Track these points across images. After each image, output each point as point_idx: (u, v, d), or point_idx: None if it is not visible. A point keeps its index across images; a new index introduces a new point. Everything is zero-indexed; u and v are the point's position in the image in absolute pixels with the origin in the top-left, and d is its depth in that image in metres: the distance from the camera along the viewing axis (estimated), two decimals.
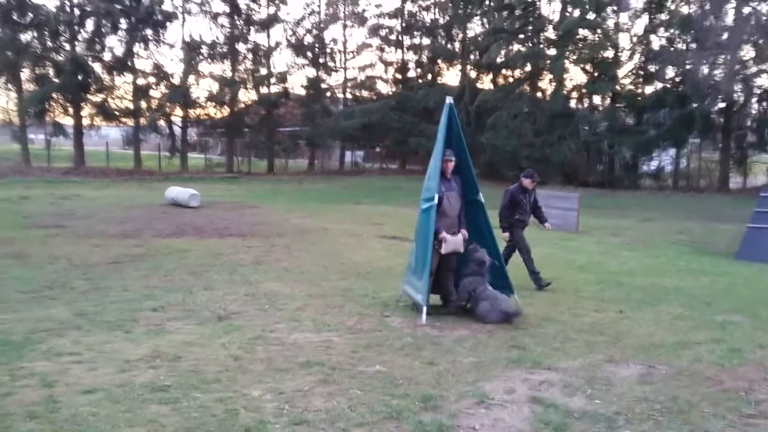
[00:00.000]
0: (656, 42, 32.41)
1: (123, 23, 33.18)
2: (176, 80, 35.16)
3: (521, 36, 34.46)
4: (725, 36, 26.21)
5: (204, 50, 35.92)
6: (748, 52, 27.85)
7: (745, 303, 8.27)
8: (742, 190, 30.53)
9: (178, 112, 35.76)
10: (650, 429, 4.19)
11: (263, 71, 37.32)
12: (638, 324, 7.03)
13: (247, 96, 38.04)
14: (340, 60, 40.11)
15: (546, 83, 34.93)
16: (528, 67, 34.52)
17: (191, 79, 35.76)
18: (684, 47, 30.74)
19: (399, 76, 40.93)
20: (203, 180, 30.51)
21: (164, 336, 6.05)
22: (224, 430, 3.98)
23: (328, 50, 39.50)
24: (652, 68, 32.03)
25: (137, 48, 34.10)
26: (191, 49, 35.19)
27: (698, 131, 30.86)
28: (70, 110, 32.81)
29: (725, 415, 4.47)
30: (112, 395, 4.54)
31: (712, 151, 33.68)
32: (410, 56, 40.92)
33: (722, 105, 29.99)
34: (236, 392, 4.63)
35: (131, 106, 34.17)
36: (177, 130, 36.27)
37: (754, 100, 31.05)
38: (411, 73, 41.31)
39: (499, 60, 34.10)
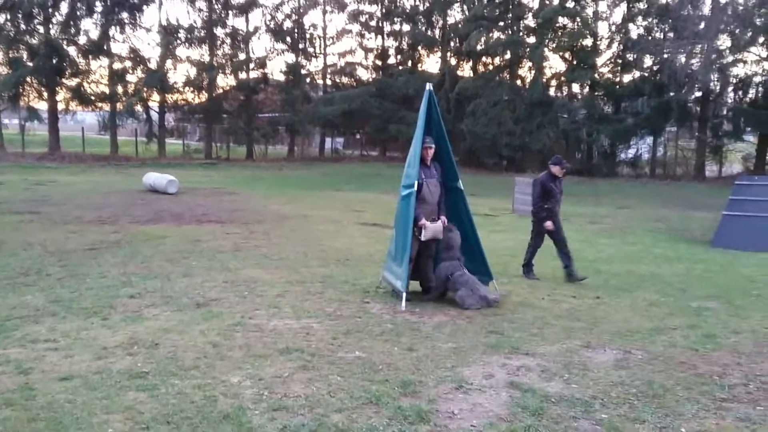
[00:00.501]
0: (634, 31, 32.71)
1: (98, 6, 32.67)
2: (153, 65, 34.76)
3: (501, 23, 34.53)
4: (702, 25, 26.47)
5: (181, 34, 35.55)
6: (724, 42, 28.18)
7: (720, 290, 8.41)
8: (718, 179, 30.98)
9: (156, 97, 35.38)
10: (626, 413, 4.25)
11: (242, 56, 37.00)
12: (615, 310, 7.12)
13: (225, 81, 37.81)
14: (320, 46, 39.94)
15: (525, 71, 35.17)
16: (507, 55, 34.64)
17: (168, 63, 35.38)
18: (662, 36, 31.02)
19: (379, 63, 40.79)
20: (181, 166, 30.23)
21: (142, 323, 6.00)
22: (203, 417, 3.97)
23: (308, 36, 39.29)
24: (630, 57, 32.28)
25: (113, 31, 33.63)
26: (168, 33, 34.74)
27: (675, 120, 31.23)
28: (45, 94, 32.29)
29: (699, 399, 4.54)
30: (89, 382, 4.50)
31: (688, 139, 34.12)
32: (390, 43, 40.85)
33: (699, 94, 30.34)
34: (215, 379, 4.61)
35: (107, 90, 33.71)
36: (154, 116, 35.85)
37: (730, 89, 31.48)
38: (391, 60, 41.20)
39: (479, 47, 34.15)
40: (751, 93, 31.03)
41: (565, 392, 4.59)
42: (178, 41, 35.59)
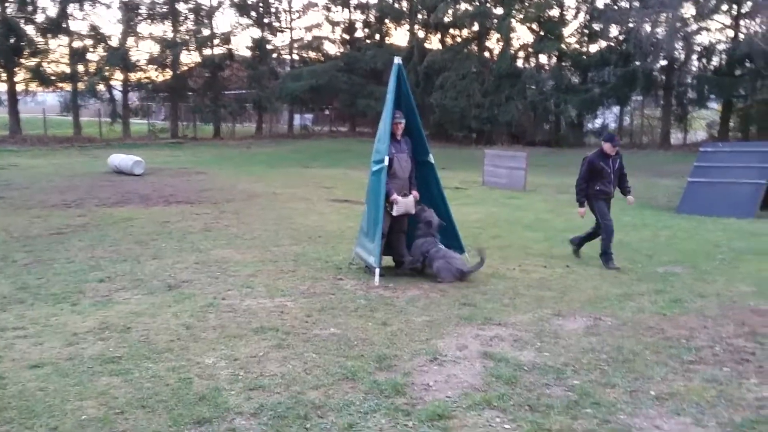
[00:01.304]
0: (600, 1, 32.77)
1: None
2: (114, 42, 33.87)
3: None
4: None
5: (143, 10, 34.64)
6: (688, 10, 28.43)
7: (685, 255, 8.59)
8: (683, 146, 31.51)
9: (118, 76, 34.52)
10: (597, 378, 4.35)
11: (206, 32, 36.24)
12: (584, 278, 7.24)
13: (189, 58, 37.01)
14: (286, 20, 39.35)
15: (493, 43, 35.11)
16: (475, 27, 34.52)
17: (130, 41, 34.48)
18: (627, 5, 31.14)
19: (346, 37, 40.35)
20: (147, 146, 29.71)
21: (112, 307, 5.93)
22: (178, 400, 3.95)
23: (273, 10, 38.65)
24: (596, 27, 32.41)
25: (72, 9, 32.65)
26: (129, 9, 33.86)
27: (641, 89, 31.58)
28: (3, 75, 31.29)
29: (667, 362, 4.66)
30: (61, 369, 4.44)
31: (654, 108, 34.56)
32: (357, 16, 40.32)
33: (664, 62, 30.67)
34: (189, 361, 4.59)
35: (68, 70, 32.82)
36: (117, 95, 35.07)
37: (694, 57, 31.85)
38: (359, 33, 40.77)
39: (446, 19, 33.99)
40: (715, 61, 31.46)
41: (538, 360, 4.67)
42: (140, 17, 34.71)
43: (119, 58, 32.80)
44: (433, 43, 37.09)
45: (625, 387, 4.21)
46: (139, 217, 11.21)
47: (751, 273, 7.51)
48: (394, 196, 7.17)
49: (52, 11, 32.28)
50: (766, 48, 23.57)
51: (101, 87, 33.90)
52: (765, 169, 12.34)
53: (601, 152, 8.16)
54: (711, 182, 12.90)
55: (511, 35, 33.43)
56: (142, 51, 36.19)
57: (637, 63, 29.74)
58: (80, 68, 33.16)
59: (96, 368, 4.45)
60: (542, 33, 33.10)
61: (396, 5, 38.80)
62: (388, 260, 7.63)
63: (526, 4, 33.09)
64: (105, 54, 33.35)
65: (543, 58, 35.59)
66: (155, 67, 35.25)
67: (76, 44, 33.10)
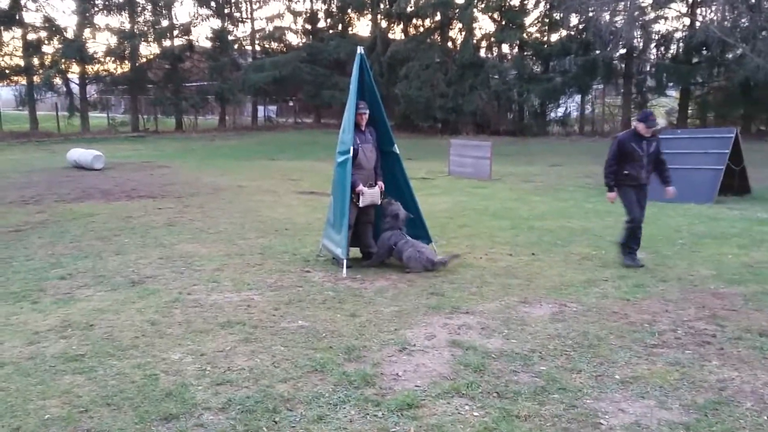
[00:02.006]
0: None
1: None
2: (70, 34, 33.04)
3: None
4: None
5: (99, 1, 33.81)
6: None
7: (647, 241, 8.72)
8: None
9: (75, 68, 33.72)
10: (563, 364, 4.41)
11: (164, 23, 35.59)
12: (549, 265, 7.33)
13: (148, 50, 36.36)
14: (247, 10, 38.84)
15: (456, 33, 35.16)
16: (438, 17, 34.54)
17: (87, 32, 33.65)
18: None
19: (309, 27, 40.01)
20: (107, 140, 29.13)
21: (74, 304, 5.80)
22: (144, 396, 3.89)
23: (233, 0, 38.02)
24: (556, 16, 32.72)
25: (25, 0, 31.69)
26: (85, 0, 33.02)
27: (601, 77, 32.05)
28: None
29: (631, 346, 4.75)
30: (22, 368, 4.34)
31: (614, 96, 35.11)
32: (319, 6, 39.92)
33: (623, 51, 31.12)
34: (155, 357, 4.52)
35: (22, 63, 31.92)
36: (75, 88, 34.23)
37: (652, 45, 32.41)
38: (321, 24, 40.43)
39: (409, 9, 33.93)
40: (673, 49, 32.07)
41: (505, 347, 4.71)
42: (96, 8, 33.89)
43: (75, 50, 32.00)
44: (396, 33, 37.06)
45: (591, 372, 4.28)
46: (101, 213, 10.98)
47: (711, 257, 7.70)
48: (360, 187, 7.15)
49: (4, 2, 31.38)
50: (721, 36, 24.09)
51: (57, 80, 33.09)
52: (723, 155, 12.61)
53: (634, 132, 7.36)
54: (671, 169, 13.12)
55: (474, 25, 33.56)
56: (99, 43, 35.38)
57: (597, 52, 30.13)
58: (35, 61, 32.31)
59: (59, 367, 4.36)
60: (504, 22, 33.29)
61: None
62: (355, 251, 7.62)
63: None
64: (60, 46, 32.52)
65: (505, 48, 35.86)
66: (113, 59, 34.53)
67: (31, 36, 32.23)
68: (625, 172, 7.37)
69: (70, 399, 3.88)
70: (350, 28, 40.08)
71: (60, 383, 4.10)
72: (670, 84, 31.63)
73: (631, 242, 7.36)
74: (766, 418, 3.63)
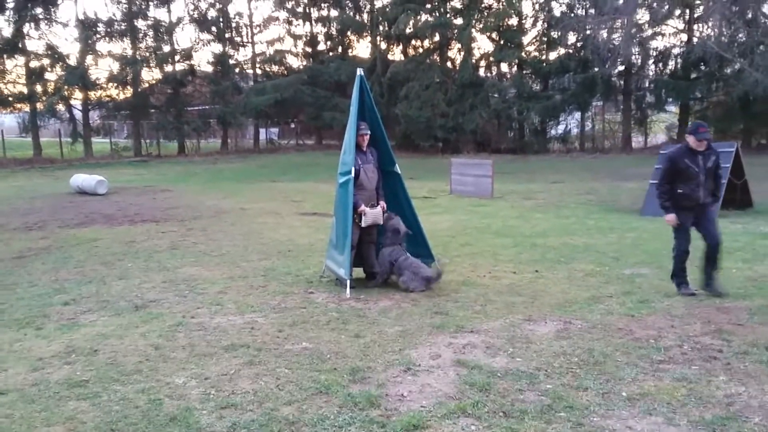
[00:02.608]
0: (557, 8, 33.45)
1: (10, 2, 31.04)
2: (73, 61, 33.37)
3: (428, 6, 34.65)
4: (621, 1, 27.24)
5: (100, 28, 34.24)
6: (643, 16, 29.14)
7: (651, 256, 8.74)
8: (644, 149, 32.20)
9: (78, 95, 34.02)
10: (569, 382, 4.39)
11: (166, 48, 35.94)
12: (553, 282, 7.31)
13: (150, 75, 36.66)
14: (247, 34, 39.18)
15: (455, 53, 35.45)
16: (437, 37, 34.87)
17: (89, 59, 34.01)
18: (584, 13, 31.79)
19: (309, 50, 40.34)
20: (110, 165, 29.28)
21: (78, 330, 5.79)
22: (149, 421, 3.87)
23: (234, 24, 38.45)
24: (554, 34, 32.99)
25: (27, 28, 32.10)
26: (86, 27, 33.41)
27: (601, 94, 32.23)
28: None
29: (637, 362, 4.73)
30: (26, 395, 4.33)
31: (614, 112, 35.27)
32: (319, 29, 40.33)
33: (622, 68, 31.32)
34: (159, 381, 4.51)
35: (25, 90, 32.21)
36: (78, 114, 34.51)
37: (650, 61, 32.62)
38: (321, 46, 40.79)
39: (408, 30, 34.23)
40: (671, 64, 32.28)
41: (510, 366, 4.69)
42: (98, 35, 34.28)
43: (78, 76, 32.31)
44: (396, 54, 37.36)
45: (597, 389, 4.25)
46: (104, 238, 11.01)
47: None
48: (362, 208, 7.17)
49: (7, 31, 31.79)
50: (719, 51, 24.22)
51: (60, 107, 33.38)
52: (724, 170, 12.61)
53: (687, 147, 6.60)
54: None
55: (472, 45, 33.85)
56: (101, 69, 35.81)
57: (596, 69, 30.34)
58: (38, 88, 32.59)
59: (63, 393, 4.34)
60: (502, 42, 33.57)
61: (357, 17, 38.96)
62: (358, 272, 7.61)
63: (486, 13, 33.55)
64: (63, 73, 32.82)
65: (504, 67, 36.13)
66: (115, 84, 34.84)
67: (33, 64, 32.56)
68: (679, 191, 6.59)
69: (75, 425, 3.86)
70: (350, 50, 40.47)
71: (64, 409, 4.09)
72: (670, 99, 31.78)
73: (679, 273, 6.74)
74: None
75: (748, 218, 12.12)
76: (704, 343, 5.13)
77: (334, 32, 40.13)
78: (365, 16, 39.05)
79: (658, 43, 31.81)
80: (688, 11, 30.08)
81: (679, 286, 6.74)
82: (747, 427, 3.67)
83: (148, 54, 35.52)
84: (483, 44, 38.73)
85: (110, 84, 34.64)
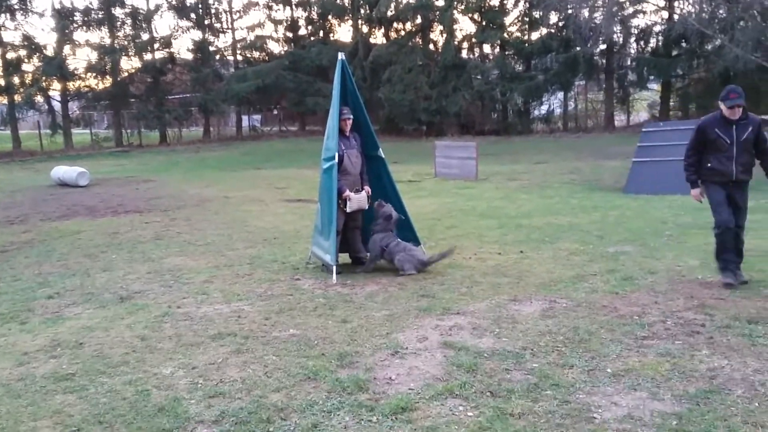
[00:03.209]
0: None
1: None
2: (50, 51, 32.86)
3: None
4: None
5: (77, 17, 33.70)
6: None
7: (634, 233, 8.81)
8: (627, 128, 32.33)
9: (56, 85, 33.57)
10: (555, 360, 4.43)
11: (145, 36, 35.51)
12: (538, 262, 7.36)
13: (129, 64, 36.24)
14: (227, 20, 38.77)
15: (437, 35, 35.30)
16: (418, 20, 34.68)
17: (67, 49, 33.50)
18: None
19: (290, 35, 40.00)
20: (91, 156, 28.99)
21: (63, 323, 5.76)
22: (136, 413, 3.86)
23: (213, 11, 38.03)
24: (536, 14, 32.92)
25: (3, 19, 31.58)
26: (63, 17, 32.89)
27: (583, 73, 32.27)
28: None
29: (621, 339, 4.78)
30: (12, 390, 4.30)
31: (596, 91, 35.35)
32: (300, 13, 39.98)
33: (603, 46, 31.35)
34: (146, 372, 4.49)
35: (2, 82, 31.71)
36: (57, 105, 34.05)
37: (632, 40, 32.68)
38: (302, 31, 40.46)
39: (389, 13, 34.03)
40: (652, 42, 32.34)
41: (497, 346, 4.72)
42: (75, 25, 33.78)
43: (56, 67, 31.86)
44: (378, 37, 37.14)
45: (583, 366, 4.29)
46: (87, 230, 10.92)
47: (698, 247, 7.75)
48: (347, 193, 7.16)
49: None
50: (700, 27, 24.30)
51: (39, 98, 32.89)
52: None
53: (720, 115, 5.99)
54: (654, 161, 13.24)
55: (454, 26, 33.72)
56: (79, 59, 35.17)
57: (578, 48, 30.34)
58: (15, 80, 32.09)
59: (49, 387, 4.32)
60: (484, 23, 33.45)
61: (338, 1, 38.64)
62: (345, 257, 7.61)
63: None
64: (41, 64, 32.34)
65: (487, 48, 36.05)
66: (94, 74, 34.38)
67: (10, 55, 32.04)
68: (709, 164, 6.03)
69: (62, 419, 3.85)
70: (331, 35, 40.18)
71: (51, 403, 4.07)
72: (651, 77, 31.87)
73: (724, 254, 6.01)
74: (757, 404, 3.65)
75: None
76: (687, 318, 5.19)
77: (315, 16, 39.80)
78: None
79: (639, 21, 31.89)
80: None
81: (723, 272, 6.01)
82: (730, 400, 3.72)
83: (126, 42, 35.07)
84: (465, 26, 38.68)
85: (89, 74, 34.20)
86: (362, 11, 36.55)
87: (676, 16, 28.61)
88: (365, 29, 37.12)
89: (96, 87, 35.12)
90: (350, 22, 38.69)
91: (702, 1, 26.10)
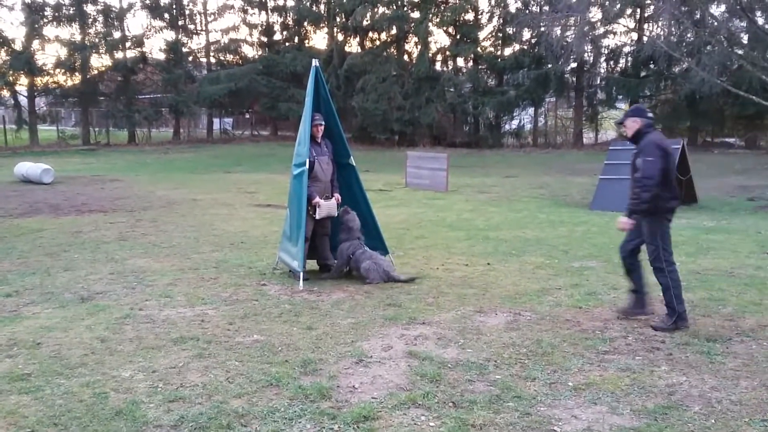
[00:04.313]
0: (513, 5, 33.81)
1: None
2: (18, 46, 32.21)
3: None
4: None
5: (48, 12, 33.13)
6: (596, 14, 29.68)
7: (599, 249, 8.94)
8: (595, 145, 32.88)
9: (23, 80, 32.88)
10: (518, 372, 4.46)
11: (116, 35, 35.04)
12: (504, 275, 7.41)
13: (100, 62, 35.70)
14: (201, 22, 38.48)
15: (412, 46, 35.52)
16: (394, 30, 34.81)
17: (35, 44, 32.91)
18: (538, 10, 32.19)
19: (265, 39, 39.82)
20: (57, 154, 28.43)
21: (21, 322, 5.61)
22: (93, 416, 3.78)
23: (187, 12, 37.70)
24: (510, 30, 33.33)
25: None
26: (33, 11, 32.30)
27: (554, 90, 32.75)
28: None
29: (583, 353, 4.83)
30: None
31: (566, 108, 35.91)
32: (275, 18, 39.83)
33: (574, 65, 31.86)
34: (105, 375, 4.40)
35: None
36: (23, 101, 33.36)
37: (602, 59, 33.28)
38: (277, 36, 40.30)
39: (365, 23, 34.11)
40: (622, 63, 32.99)
41: (461, 357, 4.74)
42: (45, 20, 33.19)
43: (23, 62, 31.27)
44: (353, 46, 37.18)
45: (545, 379, 4.33)
46: (49, 228, 10.69)
47: None
48: (317, 200, 7.14)
49: None
50: (668, 50, 24.83)
51: (5, 92, 32.22)
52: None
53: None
54: (620, 179, 13.43)
55: (429, 39, 33.94)
56: (48, 54, 34.50)
57: (549, 66, 30.80)
58: None
59: (4, 387, 4.20)
60: (458, 37, 33.77)
61: (314, 8, 38.62)
62: (312, 264, 7.58)
63: (442, 8, 33.70)
64: (8, 58, 31.69)
65: (460, 62, 36.31)
66: (63, 71, 33.81)
67: None
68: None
69: (16, 420, 3.75)
70: (306, 41, 40.10)
71: (5, 404, 3.96)
72: (620, 97, 32.49)
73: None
74: (713, 421, 3.72)
75: (692, 213, 12.51)
76: (648, 334, 5.28)
77: (290, 22, 39.71)
78: (322, 6, 38.71)
79: (609, 42, 32.54)
80: (639, 10, 30.78)
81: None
82: (687, 416, 3.79)
83: (97, 40, 34.56)
84: (440, 38, 38.92)
85: (57, 70, 33.65)
86: (338, 19, 36.59)
87: (645, 38, 29.23)
88: (341, 37, 37.15)
89: (64, 84, 34.59)
90: (326, 29, 38.72)
91: (671, 25, 26.69)
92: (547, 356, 4.76)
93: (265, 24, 39.57)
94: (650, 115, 5.65)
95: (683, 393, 4.12)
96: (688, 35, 26.18)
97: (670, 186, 5.37)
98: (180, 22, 37.09)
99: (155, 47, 40.71)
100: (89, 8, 34.28)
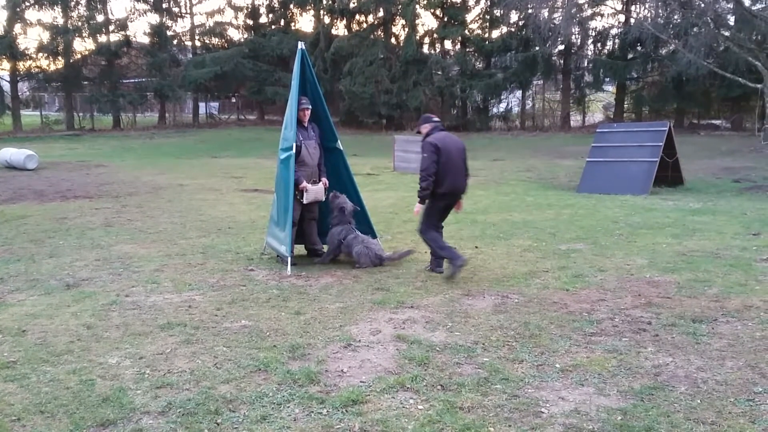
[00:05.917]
0: None
1: None
2: (0, 30, 31.69)
3: None
4: None
5: None
6: None
7: (586, 232, 8.98)
8: (582, 128, 32.94)
9: (5, 65, 32.40)
10: (505, 354, 4.48)
11: (100, 18, 34.54)
12: (492, 258, 7.43)
13: (83, 46, 35.23)
14: (186, 5, 38.03)
15: (399, 29, 35.28)
16: (381, 13, 34.59)
17: (17, 28, 32.37)
18: None
19: (250, 22, 39.44)
20: (41, 139, 28.15)
21: (5, 310, 5.56)
22: (80, 402, 3.76)
23: None
24: (497, 13, 33.19)
25: None
26: None
27: (541, 73, 32.68)
28: None
29: (570, 335, 4.86)
30: None
31: (554, 91, 35.87)
32: (261, 1, 39.41)
33: (562, 47, 31.81)
34: (91, 362, 4.38)
35: None
36: (5, 86, 32.89)
37: (589, 42, 33.23)
38: (263, 19, 39.88)
39: (352, 5, 33.88)
40: (609, 45, 32.96)
41: (449, 340, 4.75)
42: (27, 3, 32.63)
43: (5, 46, 30.80)
44: (340, 29, 36.90)
45: (532, 361, 4.35)
46: (34, 214, 10.58)
47: (647, 246, 7.94)
48: (304, 184, 7.10)
49: None
50: (655, 32, 24.87)
51: None
52: (657, 148, 13.04)
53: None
54: (608, 161, 13.51)
55: (416, 21, 33.76)
56: (30, 38, 34.03)
57: (537, 48, 30.73)
58: None
59: None
60: (446, 19, 33.57)
61: None
62: (300, 249, 7.56)
63: None
64: None
65: (448, 44, 36.18)
66: (46, 55, 33.34)
67: None
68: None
69: (2, 408, 3.72)
70: (293, 24, 39.76)
71: None
72: (607, 79, 32.51)
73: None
74: (699, 401, 3.76)
75: (678, 195, 12.58)
76: (634, 315, 5.31)
77: (276, 4, 39.27)
78: None
79: (596, 24, 32.47)
80: None
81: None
82: (673, 396, 3.82)
83: (80, 23, 34.09)
84: (427, 21, 38.78)
85: (40, 54, 33.18)
86: (324, 2, 36.25)
87: (632, 20, 29.21)
88: (327, 20, 36.83)
89: (47, 68, 34.12)
90: (312, 12, 38.37)
91: (658, 7, 26.71)
92: (535, 338, 4.78)
93: (250, 6, 39.18)
94: (435, 119, 7.14)
95: (669, 374, 4.15)
96: (675, 17, 26.22)
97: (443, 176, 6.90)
98: (164, 5, 36.62)
99: (139, 30, 40.68)
100: None
